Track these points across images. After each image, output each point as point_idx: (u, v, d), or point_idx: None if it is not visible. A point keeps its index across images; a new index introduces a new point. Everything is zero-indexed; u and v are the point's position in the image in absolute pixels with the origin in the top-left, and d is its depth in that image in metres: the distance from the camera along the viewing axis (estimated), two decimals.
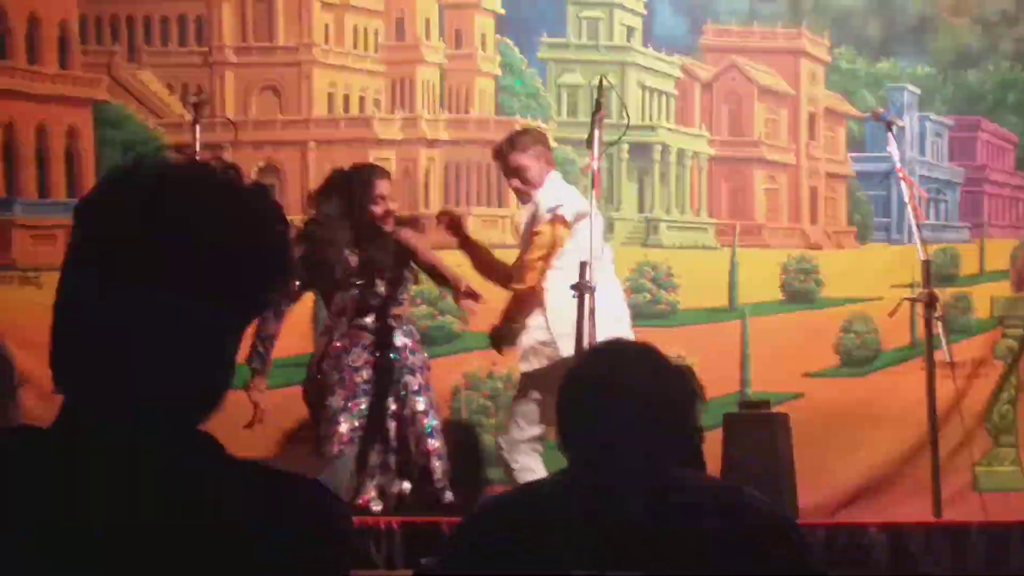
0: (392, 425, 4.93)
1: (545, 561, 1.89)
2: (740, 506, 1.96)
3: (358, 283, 4.89)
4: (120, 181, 1.25)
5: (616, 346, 2.45)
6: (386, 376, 4.92)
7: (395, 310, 4.99)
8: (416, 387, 4.97)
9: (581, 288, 4.37)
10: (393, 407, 4.92)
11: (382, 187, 4.84)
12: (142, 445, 1.20)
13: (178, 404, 1.22)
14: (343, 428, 4.83)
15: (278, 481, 1.24)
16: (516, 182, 4.95)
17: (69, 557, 1.16)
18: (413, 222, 5.10)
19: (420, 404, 4.95)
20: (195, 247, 1.21)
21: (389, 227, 4.86)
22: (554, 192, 4.85)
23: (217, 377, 1.25)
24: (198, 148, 5.14)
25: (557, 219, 4.77)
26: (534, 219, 4.87)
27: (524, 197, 5.00)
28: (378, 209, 4.81)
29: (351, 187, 4.83)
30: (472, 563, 1.93)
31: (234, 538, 1.18)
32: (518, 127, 5.55)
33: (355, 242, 4.84)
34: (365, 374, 4.90)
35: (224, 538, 1.18)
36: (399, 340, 4.97)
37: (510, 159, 4.90)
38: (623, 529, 1.91)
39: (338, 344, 4.92)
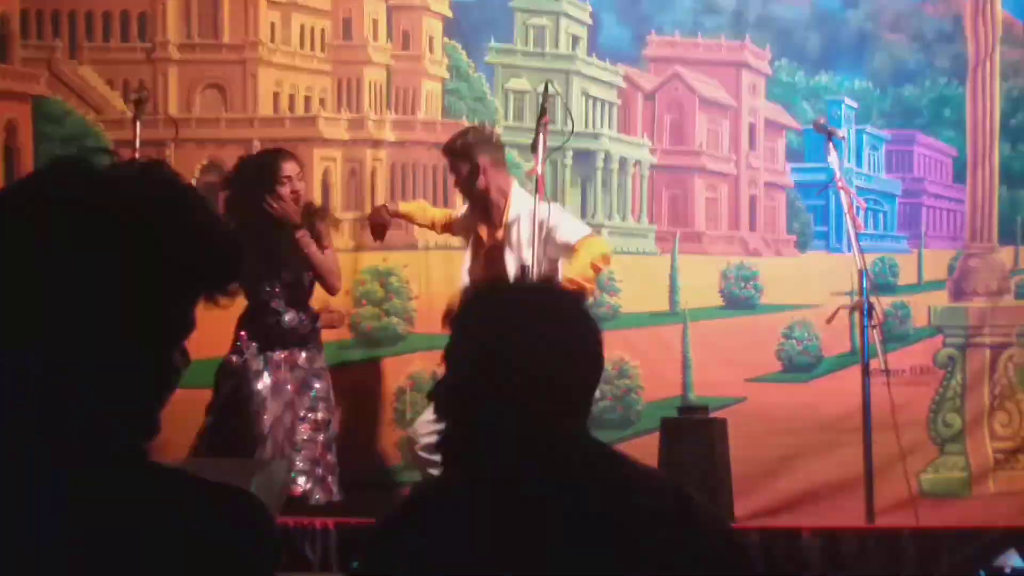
0: (302, 428, 4.94)
1: (462, 565, 1.71)
2: (690, 514, 1.78)
3: (274, 274, 4.92)
4: (45, 178, 1.21)
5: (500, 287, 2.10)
6: (297, 378, 4.94)
7: (309, 303, 5.04)
8: (323, 393, 5.00)
9: None
10: (302, 412, 4.95)
11: (288, 168, 4.91)
12: (59, 454, 1.17)
13: (102, 410, 1.19)
14: (263, 430, 4.84)
15: (201, 491, 1.21)
16: (461, 184, 5.01)
17: None
18: (322, 212, 5.15)
19: (321, 414, 4.98)
20: (122, 246, 1.17)
21: (297, 205, 4.92)
22: (562, 217, 4.92)
23: (150, 380, 1.22)
24: (138, 145, 5.09)
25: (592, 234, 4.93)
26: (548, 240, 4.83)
27: (470, 201, 5.01)
28: (285, 190, 4.87)
29: (259, 172, 4.90)
30: (385, 568, 1.76)
31: (156, 550, 1.16)
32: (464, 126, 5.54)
33: (270, 231, 4.87)
34: (278, 376, 4.91)
35: (146, 550, 1.16)
36: (312, 341, 5.02)
37: (453, 163, 5.00)
38: (548, 532, 1.72)
39: (252, 343, 4.93)
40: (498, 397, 1.77)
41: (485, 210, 5.00)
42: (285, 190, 4.90)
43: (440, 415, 1.86)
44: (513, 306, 1.84)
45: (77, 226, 1.17)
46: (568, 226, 4.93)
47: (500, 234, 4.95)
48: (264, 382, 4.90)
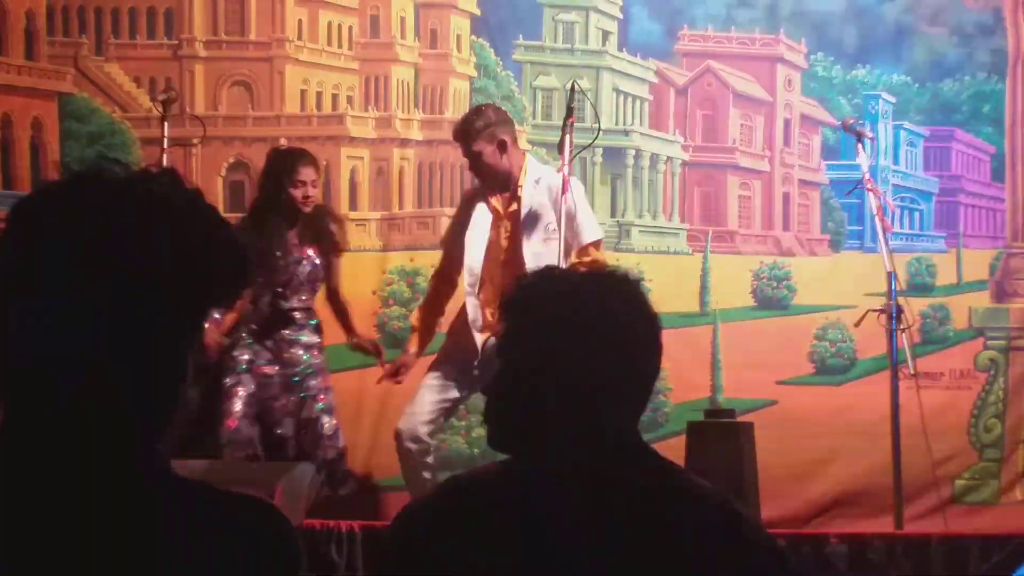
0: (288, 423, 4.99)
1: (492, 561, 1.65)
2: (738, 530, 1.71)
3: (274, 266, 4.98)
4: (55, 192, 1.22)
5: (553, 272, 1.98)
6: (288, 372, 4.99)
7: (304, 301, 5.05)
8: (316, 391, 5.02)
9: None
10: (292, 407, 5.00)
11: (305, 173, 4.93)
12: (83, 466, 1.16)
13: (123, 420, 1.19)
14: (236, 406, 4.89)
15: (222, 503, 1.21)
16: (475, 169, 4.93)
17: None
18: (334, 216, 5.18)
19: (319, 406, 5.02)
20: (134, 257, 1.18)
21: (306, 209, 4.95)
22: (581, 204, 4.81)
23: (165, 389, 1.22)
24: (166, 144, 5.10)
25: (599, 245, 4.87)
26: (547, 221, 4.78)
27: (489, 181, 4.91)
28: (297, 192, 4.89)
29: (274, 169, 4.98)
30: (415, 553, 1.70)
31: (177, 565, 1.16)
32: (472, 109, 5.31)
33: (280, 226, 4.95)
34: (258, 358, 4.97)
35: (167, 566, 1.15)
36: (306, 337, 5.04)
37: (466, 147, 4.88)
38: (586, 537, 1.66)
39: (245, 331, 5.02)
40: (550, 394, 1.72)
41: (503, 185, 4.91)
42: (298, 192, 4.95)
43: (489, 408, 1.81)
44: (569, 297, 1.76)
45: (89, 240, 1.18)
46: (584, 216, 4.85)
47: (516, 204, 4.88)
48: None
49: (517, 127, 6.06)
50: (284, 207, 4.94)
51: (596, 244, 4.88)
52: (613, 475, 1.70)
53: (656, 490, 1.71)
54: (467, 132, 4.84)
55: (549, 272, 1.94)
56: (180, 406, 1.23)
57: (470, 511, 1.70)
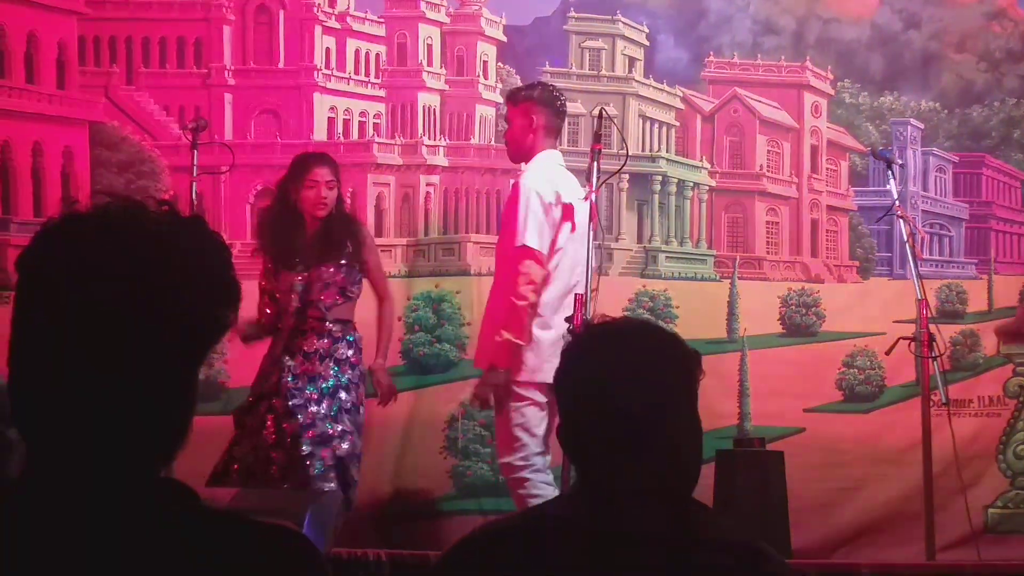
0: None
1: None
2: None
3: (294, 274, 4.69)
4: (59, 232, 1.24)
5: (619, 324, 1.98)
6: (316, 383, 4.62)
7: (336, 312, 4.72)
8: (348, 406, 4.65)
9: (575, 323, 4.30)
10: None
11: (318, 173, 4.72)
12: (109, 499, 1.18)
13: (143, 449, 1.21)
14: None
15: (249, 531, 1.22)
16: (506, 135, 4.80)
17: None
18: (351, 223, 4.85)
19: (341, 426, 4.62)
20: (142, 292, 1.20)
21: (320, 214, 4.69)
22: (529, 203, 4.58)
23: (179, 415, 1.24)
24: (196, 173, 5.12)
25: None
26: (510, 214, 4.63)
27: (511, 156, 4.82)
28: (310, 193, 4.69)
29: (289, 171, 4.78)
30: None
31: None
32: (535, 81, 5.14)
33: (290, 228, 4.71)
34: (291, 380, 4.62)
35: None
36: (342, 351, 4.70)
37: (508, 109, 4.77)
38: None
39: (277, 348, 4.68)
40: (584, 442, 1.78)
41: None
42: (311, 193, 4.71)
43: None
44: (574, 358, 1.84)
45: (96, 281, 1.20)
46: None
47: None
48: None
49: None
50: (297, 210, 4.71)
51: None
52: (627, 526, 1.72)
53: (672, 540, 1.72)
54: (511, 99, 4.76)
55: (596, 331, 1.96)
56: (187, 425, 1.25)
57: (494, 560, 1.73)
